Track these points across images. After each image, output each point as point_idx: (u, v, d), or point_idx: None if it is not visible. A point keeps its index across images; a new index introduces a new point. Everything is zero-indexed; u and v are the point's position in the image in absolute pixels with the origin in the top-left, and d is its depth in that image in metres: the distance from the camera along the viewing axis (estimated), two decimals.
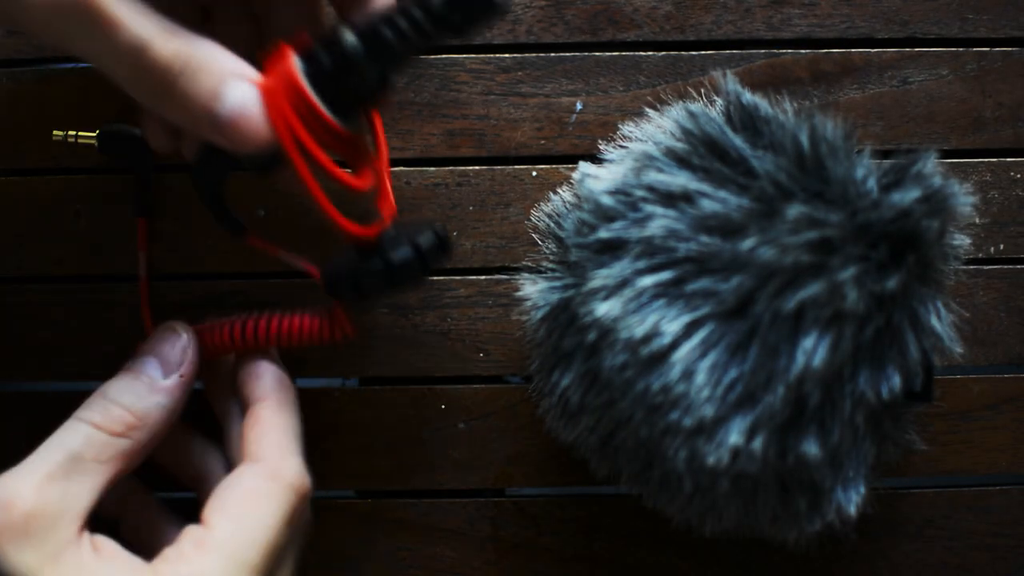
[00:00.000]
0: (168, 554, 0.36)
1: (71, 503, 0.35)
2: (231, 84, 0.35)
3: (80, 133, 0.46)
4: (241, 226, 0.43)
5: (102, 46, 0.34)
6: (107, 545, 0.36)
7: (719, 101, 0.40)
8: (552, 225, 0.42)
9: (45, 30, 0.34)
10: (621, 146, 0.41)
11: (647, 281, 0.36)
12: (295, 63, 0.36)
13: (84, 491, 0.35)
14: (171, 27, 0.34)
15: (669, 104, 0.42)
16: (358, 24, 0.38)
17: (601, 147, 0.43)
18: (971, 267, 0.47)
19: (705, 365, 0.35)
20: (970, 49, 0.48)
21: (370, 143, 0.42)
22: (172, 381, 0.39)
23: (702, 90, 0.47)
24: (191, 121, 0.36)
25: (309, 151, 0.36)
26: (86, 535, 0.35)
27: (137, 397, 0.38)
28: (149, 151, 0.47)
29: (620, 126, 0.42)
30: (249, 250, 0.47)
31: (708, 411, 0.35)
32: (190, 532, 0.37)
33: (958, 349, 0.39)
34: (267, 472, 0.37)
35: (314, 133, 0.37)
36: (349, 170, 0.40)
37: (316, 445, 0.45)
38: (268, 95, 0.36)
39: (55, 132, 0.46)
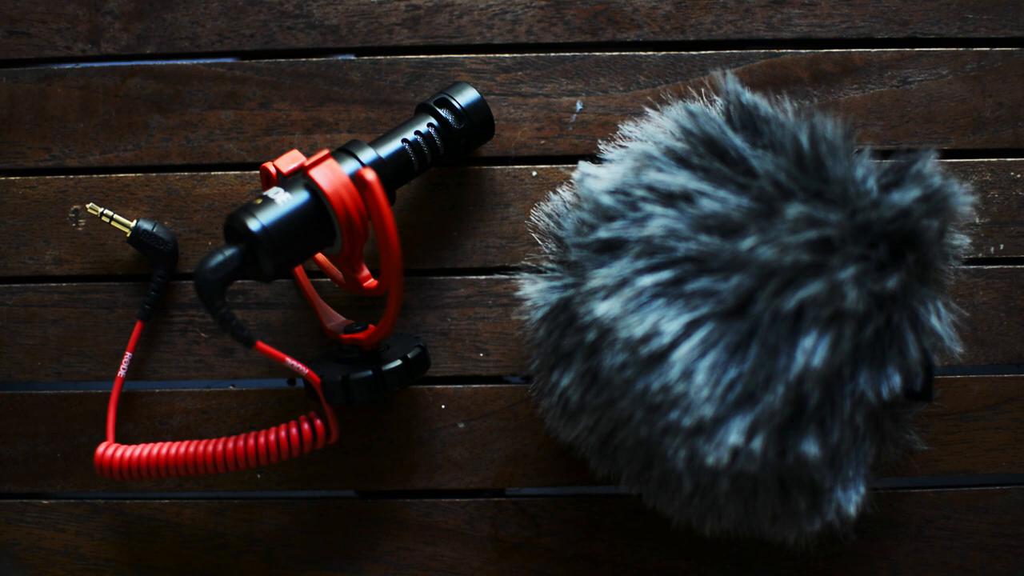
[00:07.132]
0: None
1: None
2: None
3: (116, 217, 0.46)
4: (249, 334, 0.41)
5: None
6: None
7: (719, 101, 0.40)
8: (552, 225, 0.42)
9: None
10: (621, 146, 0.41)
11: (646, 281, 0.36)
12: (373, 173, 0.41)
13: None
14: None
15: (669, 104, 0.42)
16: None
17: (601, 147, 0.43)
18: (971, 267, 0.47)
19: (705, 365, 0.35)
20: (970, 49, 0.48)
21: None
22: None
23: (702, 90, 0.47)
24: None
25: (356, 231, 0.41)
26: None
27: None
28: (174, 260, 0.47)
29: (620, 126, 0.42)
30: None
31: (708, 411, 0.34)
32: None
33: (958, 349, 0.39)
34: None
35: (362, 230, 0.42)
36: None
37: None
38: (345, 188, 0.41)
39: (90, 207, 0.46)
